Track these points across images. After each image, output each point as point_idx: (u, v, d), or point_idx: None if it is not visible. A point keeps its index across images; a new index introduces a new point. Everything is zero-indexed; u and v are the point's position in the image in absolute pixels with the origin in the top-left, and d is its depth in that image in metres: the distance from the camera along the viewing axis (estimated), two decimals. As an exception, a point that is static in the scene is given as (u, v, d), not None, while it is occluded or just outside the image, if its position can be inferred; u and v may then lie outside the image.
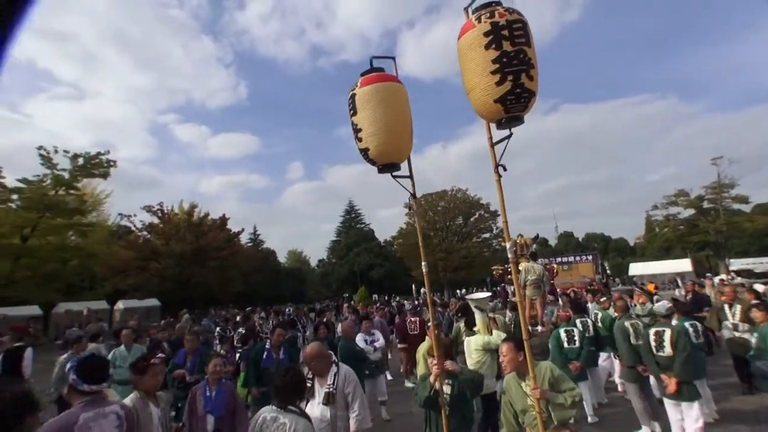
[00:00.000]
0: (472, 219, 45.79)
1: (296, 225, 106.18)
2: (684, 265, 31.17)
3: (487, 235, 46.50)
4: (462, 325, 6.48)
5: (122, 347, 6.16)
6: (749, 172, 49.83)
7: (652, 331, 4.83)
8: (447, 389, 3.36)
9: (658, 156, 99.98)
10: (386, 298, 35.15)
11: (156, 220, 33.39)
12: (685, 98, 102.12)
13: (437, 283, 42.92)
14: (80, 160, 23.92)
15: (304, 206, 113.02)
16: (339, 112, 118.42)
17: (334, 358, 3.44)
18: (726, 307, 6.58)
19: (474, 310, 4.93)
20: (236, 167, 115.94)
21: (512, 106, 2.55)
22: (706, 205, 37.19)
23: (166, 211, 33.80)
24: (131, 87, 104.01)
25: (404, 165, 3.38)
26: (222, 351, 7.41)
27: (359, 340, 6.96)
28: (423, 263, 3.59)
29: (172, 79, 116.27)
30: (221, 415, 3.53)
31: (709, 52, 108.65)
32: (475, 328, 5.10)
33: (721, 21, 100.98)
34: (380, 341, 7.04)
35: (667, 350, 4.59)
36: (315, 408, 3.16)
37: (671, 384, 4.45)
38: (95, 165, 24.63)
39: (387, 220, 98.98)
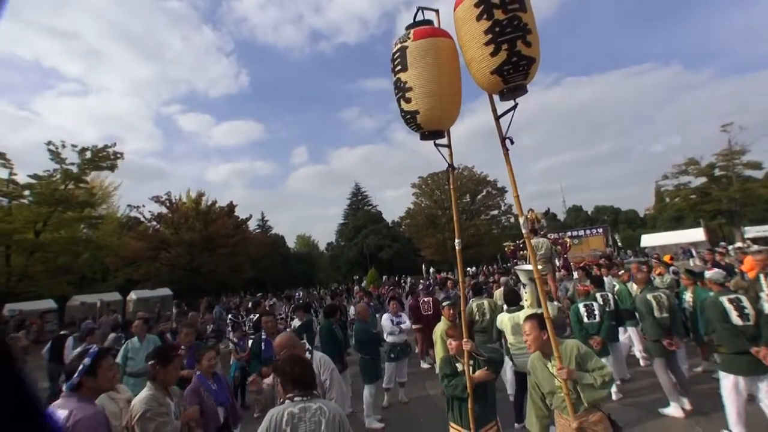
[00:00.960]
0: (479, 197, 45.46)
1: (303, 210, 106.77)
2: (697, 234, 30.69)
3: (495, 212, 46.26)
4: (474, 304, 6.35)
5: (135, 339, 5.93)
6: (760, 137, 48.07)
7: (724, 299, 4.32)
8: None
9: (662, 126, 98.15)
10: (396, 278, 35.25)
11: (164, 210, 33.52)
12: (690, 66, 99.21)
13: (447, 262, 42.86)
14: (88, 154, 23.89)
15: (310, 190, 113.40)
16: (341, 94, 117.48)
17: (308, 346, 3.30)
18: (762, 276, 6.21)
19: (525, 282, 4.69)
20: (241, 154, 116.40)
21: (510, 76, 2.45)
22: (717, 172, 36.39)
23: (174, 201, 33.88)
24: (135, 80, 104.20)
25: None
26: (234, 338, 7.35)
27: (386, 319, 6.81)
28: (456, 240, 3.38)
29: (174, 69, 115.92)
30: (227, 405, 3.55)
31: (714, 19, 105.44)
32: (523, 302, 4.84)
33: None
34: (407, 323, 6.84)
35: (753, 319, 4.12)
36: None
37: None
38: (102, 158, 24.58)
39: (394, 200, 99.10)
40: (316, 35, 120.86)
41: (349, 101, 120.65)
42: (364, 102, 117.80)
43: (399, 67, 2.81)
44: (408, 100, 2.79)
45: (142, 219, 33.48)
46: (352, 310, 10.20)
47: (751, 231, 32.32)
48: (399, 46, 2.83)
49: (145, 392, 2.85)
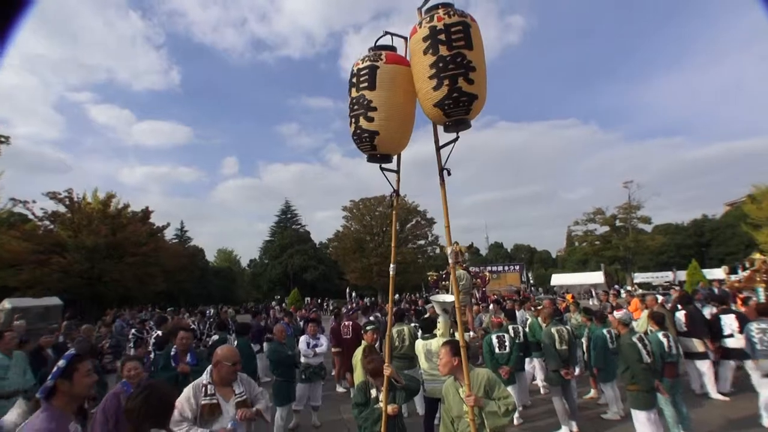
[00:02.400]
0: (408, 226, 46.55)
1: (228, 223, 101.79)
2: (597, 277, 34.37)
3: (422, 242, 47.57)
4: (394, 330, 6.44)
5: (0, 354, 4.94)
6: (650, 196, 56.62)
7: (635, 338, 4.84)
8: (382, 396, 3.28)
9: (578, 176, 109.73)
10: (319, 301, 34.56)
11: (63, 209, 29.49)
12: (604, 127, 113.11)
13: (371, 287, 43.03)
14: (-48, 132, 20.13)
15: (237, 203, 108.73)
16: (280, 108, 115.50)
17: None
18: (646, 316, 7.10)
19: (439, 312, 4.86)
20: (164, 158, 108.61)
21: (451, 110, 2.51)
22: (618, 223, 41.39)
23: (76, 200, 30.00)
24: (32, 54, 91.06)
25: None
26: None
27: (302, 342, 6.60)
28: (392, 266, 3.39)
29: (89, 53, 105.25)
30: None
31: (627, 90, 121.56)
32: (436, 331, 5.01)
33: (639, 64, 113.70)
34: (323, 346, 6.65)
35: (651, 356, 4.73)
36: (225, 425, 2.78)
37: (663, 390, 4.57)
38: (-25, 140, 20.94)
39: (324, 221, 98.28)
40: (259, 44, 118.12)
41: (288, 116, 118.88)
42: (303, 119, 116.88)
43: (365, 84, 2.77)
44: (370, 119, 2.78)
45: (31, 216, 28.92)
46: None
47: (639, 277, 36.96)
48: (368, 63, 2.80)
49: (18, 409, 2.50)
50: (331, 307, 21.12)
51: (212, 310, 23.52)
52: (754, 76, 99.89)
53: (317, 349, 6.52)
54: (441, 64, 2.43)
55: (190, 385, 2.86)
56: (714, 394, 6.69)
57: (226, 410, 2.79)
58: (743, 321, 6.47)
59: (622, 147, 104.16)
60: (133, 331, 9.39)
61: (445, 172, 2.94)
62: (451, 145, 2.86)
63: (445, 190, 2.96)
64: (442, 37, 2.43)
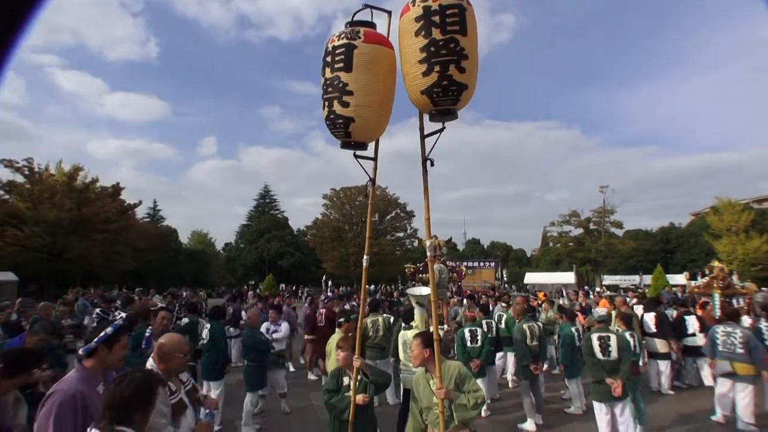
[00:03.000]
0: (388, 217, 46.72)
1: (204, 204, 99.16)
2: (569, 277, 35.29)
3: (400, 235, 47.88)
4: (369, 320, 6.46)
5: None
6: (623, 202, 58.20)
7: (594, 336, 4.94)
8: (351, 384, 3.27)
9: (558, 178, 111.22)
10: (294, 288, 34.29)
11: (21, 179, 27.91)
12: (586, 131, 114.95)
13: (347, 277, 43.02)
14: None
15: (214, 185, 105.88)
16: (263, 90, 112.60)
17: None
18: (614, 315, 7.37)
19: (414, 305, 4.87)
20: (138, 132, 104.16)
21: (439, 99, 2.39)
22: (591, 226, 42.62)
23: (37, 170, 28.47)
24: None
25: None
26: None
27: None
28: (365, 257, 3.30)
29: (56, 13, 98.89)
30: None
31: (609, 97, 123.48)
32: (412, 323, 5.03)
33: (622, 72, 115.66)
34: (281, 333, 6.71)
35: (614, 355, 4.82)
36: (190, 419, 2.62)
37: (619, 387, 4.67)
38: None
39: (303, 208, 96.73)
40: (244, 21, 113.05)
41: (271, 99, 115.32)
42: (287, 103, 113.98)
43: (341, 65, 2.55)
44: (345, 104, 2.58)
45: (-20, 185, 27.20)
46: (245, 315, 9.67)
47: (607, 279, 38.19)
48: (345, 41, 2.57)
49: None
50: (305, 295, 20.95)
51: (186, 293, 22.98)
52: (739, 89, 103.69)
53: (275, 335, 6.59)
54: (433, 49, 2.29)
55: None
56: (666, 390, 7.21)
57: (186, 403, 2.66)
58: (702, 323, 7.22)
59: (603, 152, 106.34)
60: (97, 310, 9.08)
61: (428, 162, 2.85)
62: (437, 135, 2.75)
63: (427, 180, 2.88)
64: (436, 19, 2.28)
